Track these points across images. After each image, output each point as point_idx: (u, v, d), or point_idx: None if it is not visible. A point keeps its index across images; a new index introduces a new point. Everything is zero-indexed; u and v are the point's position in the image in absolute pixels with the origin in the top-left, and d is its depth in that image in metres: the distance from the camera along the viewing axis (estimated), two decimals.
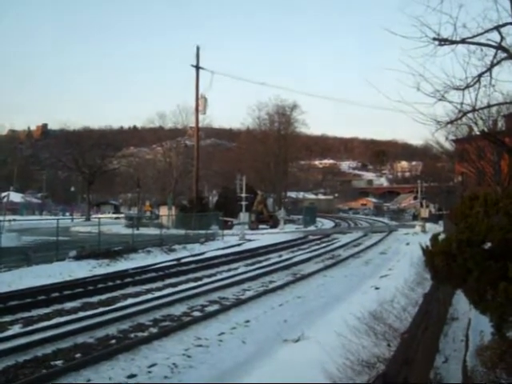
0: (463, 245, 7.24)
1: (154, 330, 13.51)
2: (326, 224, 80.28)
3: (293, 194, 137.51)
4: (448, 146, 52.73)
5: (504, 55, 12.06)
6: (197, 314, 15.68)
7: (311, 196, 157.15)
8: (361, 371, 8.38)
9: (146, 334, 13.15)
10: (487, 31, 11.84)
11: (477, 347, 7.14)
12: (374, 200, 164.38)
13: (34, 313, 15.54)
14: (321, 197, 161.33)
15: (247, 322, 14.69)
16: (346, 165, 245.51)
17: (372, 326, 10.51)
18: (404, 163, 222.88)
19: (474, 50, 12.11)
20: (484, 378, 6.72)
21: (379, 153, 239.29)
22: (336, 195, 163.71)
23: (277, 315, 15.69)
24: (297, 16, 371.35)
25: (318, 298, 18.66)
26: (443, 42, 11.94)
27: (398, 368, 4.96)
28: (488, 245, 7.12)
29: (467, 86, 12.25)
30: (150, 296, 18.43)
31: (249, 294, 19.11)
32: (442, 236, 8.19)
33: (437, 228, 54.32)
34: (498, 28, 11.77)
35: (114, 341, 12.46)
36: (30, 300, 17.04)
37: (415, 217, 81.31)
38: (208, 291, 19.33)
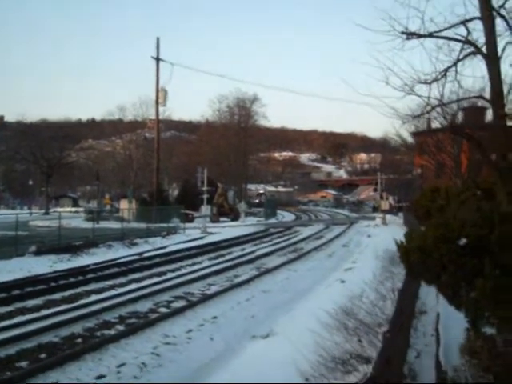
0: (438, 241, 7.22)
1: (120, 328, 13.28)
2: (287, 216, 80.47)
3: (253, 187, 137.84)
4: (408, 138, 53.29)
5: (470, 50, 12.10)
6: (163, 310, 15.48)
7: (271, 188, 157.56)
8: (334, 368, 8.32)
9: (112, 332, 12.91)
10: (454, 25, 11.87)
11: (460, 345, 7.11)
12: (333, 192, 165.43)
13: None
14: (280, 189, 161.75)
15: (214, 318, 14.57)
16: (305, 157, 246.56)
17: (343, 321, 10.47)
18: (363, 155, 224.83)
19: (442, 45, 12.13)
20: (462, 375, 6.71)
21: (338, 145, 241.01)
22: (296, 187, 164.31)
23: (244, 311, 15.61)
24: (259, 6, 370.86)
25: (284, 292, 18.63)
26: (411, 35, 11.94)
27: (381, 369, 4.89)
28: (463, 241, 7.10)
29: (434, 80, 12.27)
30: (113, 292, 18.14)
31: (214, 288, 18.97)
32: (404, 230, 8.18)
33: (397, 220, 55.19)
34: (464, 23, 11.80)
35: (80, 340, 12.20)
36: None
37: (375, 209, 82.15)
38: (173, 286, 19.13)
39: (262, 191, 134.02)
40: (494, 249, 6.76)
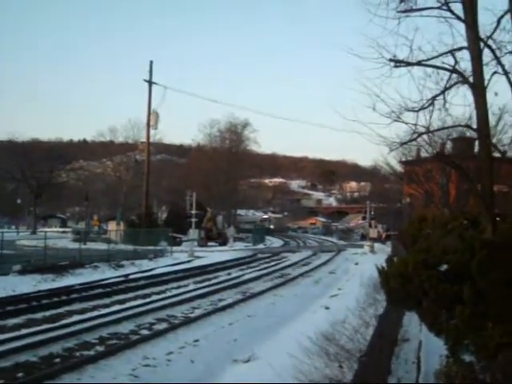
0: (419, 266, 7.20)
1: (100, 349, 13.14)
2: (275, 242, 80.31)
3: (242, 212, 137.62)
4: (397, 167, 53.51)
5: (458, 79, 12.16)
6: (145, 332, 15.35)
7: (260, 214, 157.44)
8: None
9: (92, 352, 12.77)
10: (442, 54, 11.92)
11: (435, 371, 7.06)
12: (322, 219, 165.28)
13: None
14: (270, 215, 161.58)
15: (196, 341, 14.43)
16: (295, 184, 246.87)
17: (324, 346, 10.41)
18: (353, 183, 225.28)
19: (430, 74, 12.18)
20: None
21: (328, 172, 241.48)
22: (285, 214, 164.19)
23: (227, 334, 15.48)
24: (249, 31, 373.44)
25: (268, 317, 18.49)
26: (399, 63, 11.98)
27: None
28: (444, 267, 7.09)
29: (421, 108, 12.30)
30: (96, 313, 17.99)
31: (198, 312, 18.83)
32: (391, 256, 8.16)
33: (385, 248, 54.98)
34: (452, 52, 11.87)
35: (58, 359, 12.05)
36: None
37: (363, 237, 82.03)
38: (156, 309, 18.98)
39: (266, 216, 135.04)
40: (475, 275, 6.74)
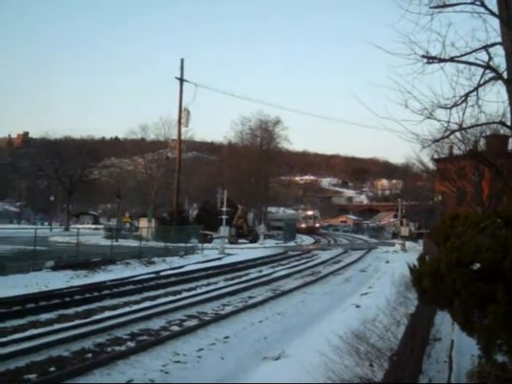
0: (452, 265, 7.09)
1: (131, 345, 13.22)
2: (306, 240, 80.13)
3: (273, 209, 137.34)
4: (430, 164, 53.01)
5: (491, 75, 12.01)
6: (175, 328, 15.42)
7: (291, 211, 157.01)
8: None
9: (123, 348, 12.87)
10: (475, 50, 11.80)
11: (467, 371, 6.98)
12: (353, 217, 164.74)
13: (8, 324, 15.17)
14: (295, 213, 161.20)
15: (226, 338, 14.45)
16: (326, 181, 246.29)
17: (354, 345, 10.34)
18: (384, 181, 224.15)
19: (462, 70, 12.05)
20: None
21: (360, 170, 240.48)
22: (316, 211, 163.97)
23: (256, 332, 15.47)
24: (279, 28, 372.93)
25: (298, 315, 18.45)
26: (432, 59, 11.87)
27: None
28: (477, 266, 6.98)
29: (454, 105, 12.18)
30: (127, 309, 18.13)
31: (228, 309, 18.87)
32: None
33: (416, 247, 54.54)
34: (486, 48, 11.73)
35: (90, 355, 12.17)
36: (4, 310, 16.61)
37: (395, 235, 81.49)
38: (187, 305, 19.07)
39: (311, 212, 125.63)
40: (508, 274, 6.63)
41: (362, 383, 8.16)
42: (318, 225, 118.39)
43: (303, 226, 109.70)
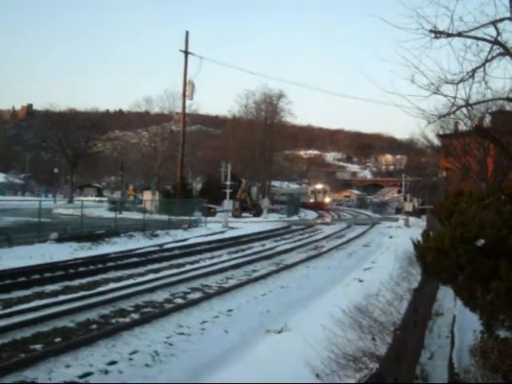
0: (456, 241, 7.12)
1: (135, 316, 13.34)
2: (309, 215, 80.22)
3: (277, 184, 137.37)
4: (435, 140, 52.91)
5: (499, 50, 11.94)
6: (179, 301, 15.52)
7: (295, 186, 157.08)
8: (346, 365, 8.26)
9: (127, 319, 12.97)
10: (484, 25, 11.71)
11: (470, 346, 7.03)
12: (357, 192, 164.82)
13: (14, 295, 15.30)
14: (302, 187, 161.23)
15: (230, 311, 14.56)
16: (330, 156, 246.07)
17: (357, 319, 10.41)
18: (388, 156, 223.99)
19: (470, 45, 11.96)
20: (472, 376, 6.64)
21: (364, 145, 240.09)
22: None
23: (259, 305, 15.57)
24: (288, 5, 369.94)
25: (300, 288, 18.55)
26: (439, 34, 11.79)
27: (390, 366, 4.83)
28: (481, 242, 7.00)
29: (461, 81, 12.13)
30: (131, 281, 18.23)
31: (232, 282, 18.97)
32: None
33: (420, 222, 54.64)
34: (494, 23, 11.64)
35: (94, 326, 12.29)
36: (9, 281, 16.74)
37: (398, 210, 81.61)
38: (191, 278, 19.17)
39: (321, 186, 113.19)
40: None
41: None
42: (328, 199, 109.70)
43: (311, 200, 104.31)
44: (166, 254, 26.00)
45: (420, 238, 8.33)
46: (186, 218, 43.34)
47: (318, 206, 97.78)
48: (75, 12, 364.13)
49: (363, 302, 11.89)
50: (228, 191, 48.99)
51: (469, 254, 6.99)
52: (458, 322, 10.43)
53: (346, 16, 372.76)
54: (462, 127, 35.23)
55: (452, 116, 16.07)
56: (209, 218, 47.61)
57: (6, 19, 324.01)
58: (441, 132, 45.16)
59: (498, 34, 11.70)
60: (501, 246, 6.91)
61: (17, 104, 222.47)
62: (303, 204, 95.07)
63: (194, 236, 34.78)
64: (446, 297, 13.01)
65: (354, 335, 9.57)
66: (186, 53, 54.04)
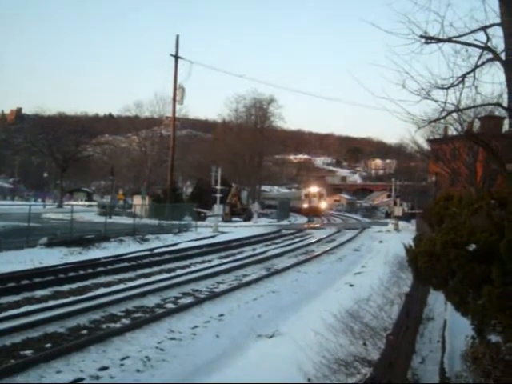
0: (448, 246, 7.15)
1: (126, 322, 13.30)
2: (300, 219, 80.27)
3: (267, 188, 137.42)
4: (424, 145, 53.13)
5: (489, 56, 12.01)
6: (170, 306, 15.49)
7: (285, 190, 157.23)
8: (337, 370, 8.27)
9: (118, 325, 12.94)
10: (474, 31, 11.79)
11: (462, 352, 7.05)
12: (347, 196, 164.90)
13: (4, 300, 15.21)
14: (294, 191, 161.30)
15: (221, 315, 14.54)
16: (320, 160, 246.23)
17: (348, 324, 10.42)
18: (378, 161, 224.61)
19: (460, 50, 12.04)
20: (464, 381, 6.66)
21: (354, 150, 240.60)
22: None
23: (251, 310, 15.56)
24: (276, 7, 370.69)
25: (292, 293, 18.56)
26: (430, 39, 11.85)
27: (383, 371, 4.84)
28: (473, 247, 7.03)
29: (451, 86, 12.19)
30: (122, 286, 18.19)
31: (223, 287, 18.95)
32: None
33: (409, 227, 54.83)
34: (484, 28, 11.73)
35: (85, 331, 12.24)
36: None
37: (388, 215, 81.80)
38: (181, 283, 19.14)
39: (317, 189, 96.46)
40: (503, 255, 6.69)
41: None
42: (324, 205, 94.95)
43: (305, 206, 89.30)
44: (157, 258, 25.95)
45: (410, 243, 8.36)
46: (177, 222, 43.30)
47: (312, 212, 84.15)
48: (64, 16, 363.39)
49: (354, 307, 11.90)
50: (218, 196, 48.98)
51: (460, 258, 7.02)
52: (448, 326, 10.46)
53: (337, 20, 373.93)
54: (451, 132, 35.40)
55: (442, 121, 16.15)
56: (199, 223, 47.58)
57: None
58: (430, 137, 45.37)
59: (488, 39, 11.79)
60: (492, 250, 6.94)
61: (6, 108, 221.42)
62: (298, 210, 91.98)
63: (185, 240, 34.74)
64: (437, 301, 13.06)
65: (346, 340, 9.57)
66: (176, 57, 54.05)
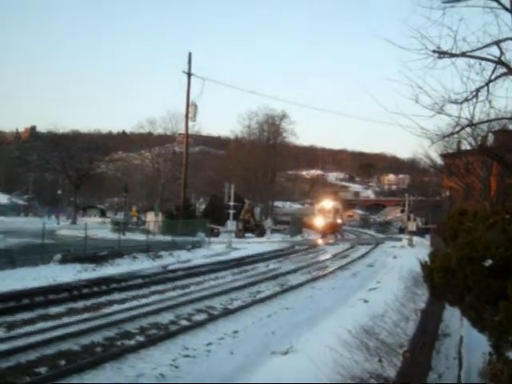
0: (463, 261, 7.09)
1: (140, 339, 13.27)
2: (313, 235, 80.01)
3: (280, 204, 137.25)
4: (438, 159, 52.99)
5: (503, 70, 11.98)
6: (184, 322, 15.46)
7: (298, 206, 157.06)
8: None
9: (132, 342, 12.92)
10: (487, 45, 11.76)
11: (480, 369, 6.98)
12: (360, 212, 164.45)
13: (18, 317, 15.22)
14: (307, 207, 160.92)
15: (235, 332, 14.49)
16: (333, 176, 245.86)
17: (364, 340, 10.35)
18: (391, 176, 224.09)
19: (473, 64, 12.02)
20: None
21: (367, 165, 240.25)
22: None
23: (265, 326, 15.50)
24: (288, 23, 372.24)
25: (306, 309, 18.47)
26: (443, 54, 11.84)
27: None
28: (489, 262, 6.97)
29: (465, 100, 12.16)
30: (136, 303, 18.19)
31: (236, 303, 18.91)
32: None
33: (423, 242, 54.54)
34: (497, 43, 11.70)
35: (99, 348, 12.22)
36: (13, 304, 16.75)
37: (402, 230, 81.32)
38: (195, 300, 19.10)
39: (332, 203, 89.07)
40: None
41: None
42: (339, 221, 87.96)
43: (319, 222, 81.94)
44: (170, 275, 25.97)
45: (425, 258, 8.31)
46: (190, 238, 43.27)
47: (327, 229, 77.46)
48: (77, 34, 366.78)
49: (369, 323, 11.83)
50: (231, 212, 48.99)
51: (476, 274, 6.96)
52: (465, 342, 10.37)
53: (350, 36, 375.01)
54: (465, 146, 35.25)
55: (456, 135, 16.11)
56: (212, 239, 47.55)
57: (8, 41, 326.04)
58: (444, 151, 45.25)
59: (502, 53, 11.76)
60: (508, 266, 6.88)
61: (20, 126, 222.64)
62: (311, 226, 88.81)
63: (198, 257, 34.72)
64: (453, 317, 12.95)
65: (361, 357, 9.51)
66: (189, 74, 54.27)
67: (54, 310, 16.55)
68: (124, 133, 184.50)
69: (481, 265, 7.02)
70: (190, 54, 54.58)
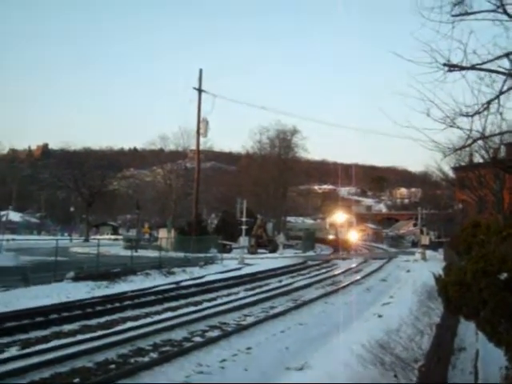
0: (478, 274, 7.06)
1: (154, 355, 13.23)
2: (325, 250, 79.85)
3: (292, 219, 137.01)
4: (450, 173, 52.88)
5: None
6: (198, 339, 15.40)
7: (310, 221, 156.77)
8: None
9: (146, 359, 12.87)
10: (497, 58, 11.76)
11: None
12: (372, 226, 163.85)
13: (32, 335, 15.25)
14: (320, 221, 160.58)
15: (249, 348, 14.41)
16: (345, 190, 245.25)
17: (378, 355, 10.28)
18: (403, 190, 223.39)
19: (484, 77, 12.01)
20: None
21: (378, 179, 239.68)
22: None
23: (279, 342, 15.41)
24: (298, 39, 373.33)
25: (320, 325, 18.36)
26: (453, 67, 11.84)
27: None
28: (504, 275, 6.93)
29: (476, 113, 12.14)
30: (149, 320, 18.14)
31: (250, 319, 18.83)
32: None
33: (437, 255, 54.25)
34: (508, 55, 11.69)
35: (113, 366, 12.19)
36: (27, 321, 16.74)
37: (415, 244, 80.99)
38: (208, 316, 19.04)
39: (345, 217, 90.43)
40: None
41: None
42: (354, 236, 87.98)
43: (331, 236, 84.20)
44: (183, 291, 25.92)
45: (439, 272, 8.27)
46: (202, 255, 43.39)
47: (340, 245, 74.86)
48: (88, 52, 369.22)
49: (384, 338, 11.75)
50: (244, 228, 49.01)
51: (492, 287, 6.92)
52: (481, 357, 10.28)
53: (360, 50, 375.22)
54: (477, 159, 35.21)
55: (468, 148, 16.09)
56: (225, 255, 47.58)
57: (21, 59, 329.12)
58: (456, 164, 45.17)
59: None
60: None
61: (32, 144, 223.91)
62: (323, 241, 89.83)
63: (211, 273, 34.72)
64: (468, 331, 12.85)
65: (376, 372, 9.44)
66: (200, 91, 54.66)
67: (67, 327, 16.56)
68: (136, 149, 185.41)
69: (496, 278, 6.99)
70: (200, 71, 55.05)
